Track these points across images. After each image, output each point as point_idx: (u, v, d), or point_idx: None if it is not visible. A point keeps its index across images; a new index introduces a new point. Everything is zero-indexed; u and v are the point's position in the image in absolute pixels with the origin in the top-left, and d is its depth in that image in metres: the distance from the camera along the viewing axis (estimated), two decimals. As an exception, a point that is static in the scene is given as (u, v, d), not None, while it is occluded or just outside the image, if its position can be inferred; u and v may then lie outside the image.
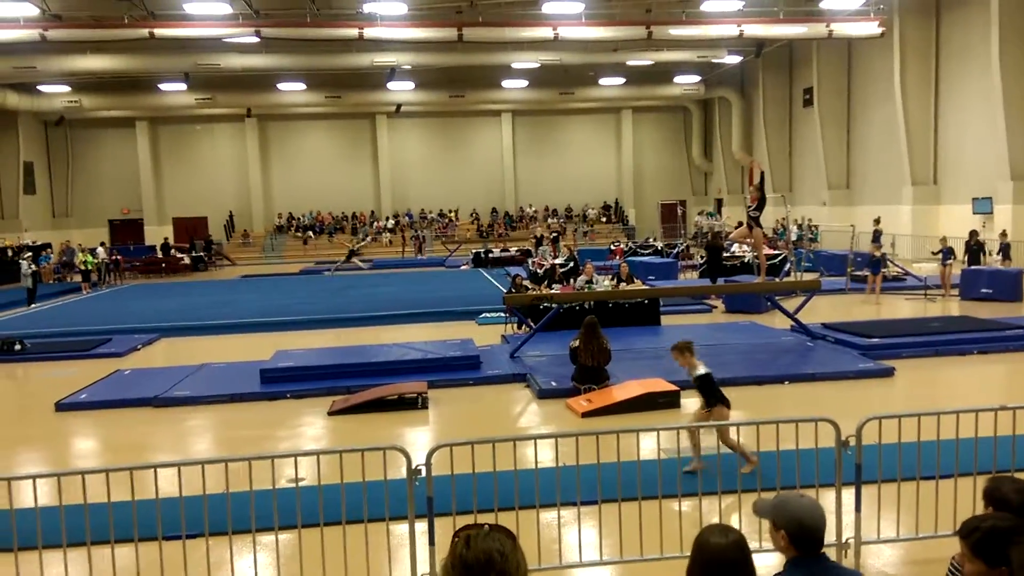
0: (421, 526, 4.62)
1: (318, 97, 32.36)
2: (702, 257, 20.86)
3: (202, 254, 31.26)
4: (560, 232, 27.50)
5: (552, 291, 13.27)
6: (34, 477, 5.08)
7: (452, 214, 37.47)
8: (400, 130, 37.17)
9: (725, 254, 19.03)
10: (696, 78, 33.48)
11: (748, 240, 12.51)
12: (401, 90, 31.92)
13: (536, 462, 6.00)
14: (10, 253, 26.41)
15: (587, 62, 28.47)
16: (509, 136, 37.87)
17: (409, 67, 27.61)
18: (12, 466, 7.35)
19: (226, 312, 16.63)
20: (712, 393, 6.32)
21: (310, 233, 35.72)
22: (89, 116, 33.50)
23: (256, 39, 22.20)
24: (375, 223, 36.45)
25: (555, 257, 19.73)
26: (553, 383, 8.94)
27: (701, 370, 6.29)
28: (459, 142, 37.94)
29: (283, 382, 9.47)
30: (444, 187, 37.56)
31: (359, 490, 5.73)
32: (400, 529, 5.21)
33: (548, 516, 5.50)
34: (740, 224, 12.78)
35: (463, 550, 1.79)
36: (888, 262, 17.67)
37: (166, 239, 33.15)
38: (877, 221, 21.00)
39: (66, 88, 29.35)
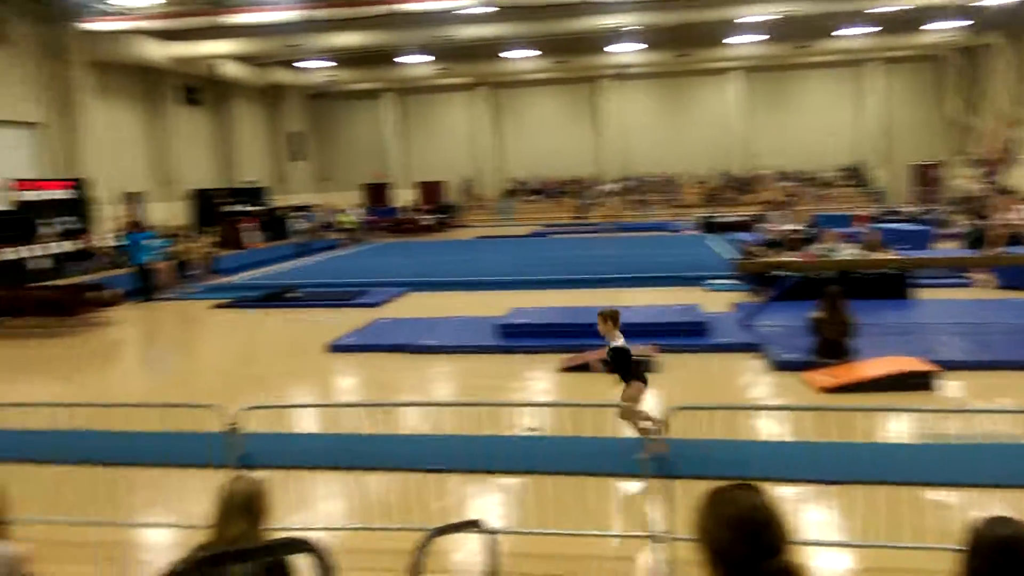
0: (637, 485, 4.72)
1: (544, 63, 33.01)
2: (970, 224, 18.61)
3: (442, 216, 33.52)
4: (794, 196, 25.87)
5: (788, 258, 12.60)
6: (315, 406, 5.86)
7: (676, 177, 36.65)
8: (623, 92, 36.90)
9: (994, 221, 16.80)
10: (956, 23, 29.42)
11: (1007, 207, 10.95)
12: (624, 52, 31.58)
13: (771, 435, 5.86)
14: (282, 213, 30.16)
15: (826, 11, 26.14)
16: (738, 94, 36.05)
17: (633, 28, 27.16)
18: (293, 396, 8.54)
19: (465, 270, 17.78)
20: (626, 369, 5.85)
21: (541, 196, 36.84)
22: (344, 89, 37.00)
23: (487, 9, 23.01)
24: (597, 187, 36.68)
25: (789, 222, 18.65)
26: (791, 355, 8.56)
27: (618, 343, 5.86)
28: (684, 103, 36.88)
29: (518, 337, 9.99)
30: (668, 149, 36.80)
31: (592, 443, 5.98)
32: (630, 486, 5.35)
33: (783, 491, 5.36)
34: (1003, 190, 11.24)
35: (736, 507, 1.76)
36: None
37: (410, 201, 36.08)
38: None
39: (326, 63, 32.53)
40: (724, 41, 30.69)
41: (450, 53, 31.34)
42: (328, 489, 5.58)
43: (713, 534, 1.78)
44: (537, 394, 8.27)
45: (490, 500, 5.41)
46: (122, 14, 22.67)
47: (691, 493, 4.43)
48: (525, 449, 6.00)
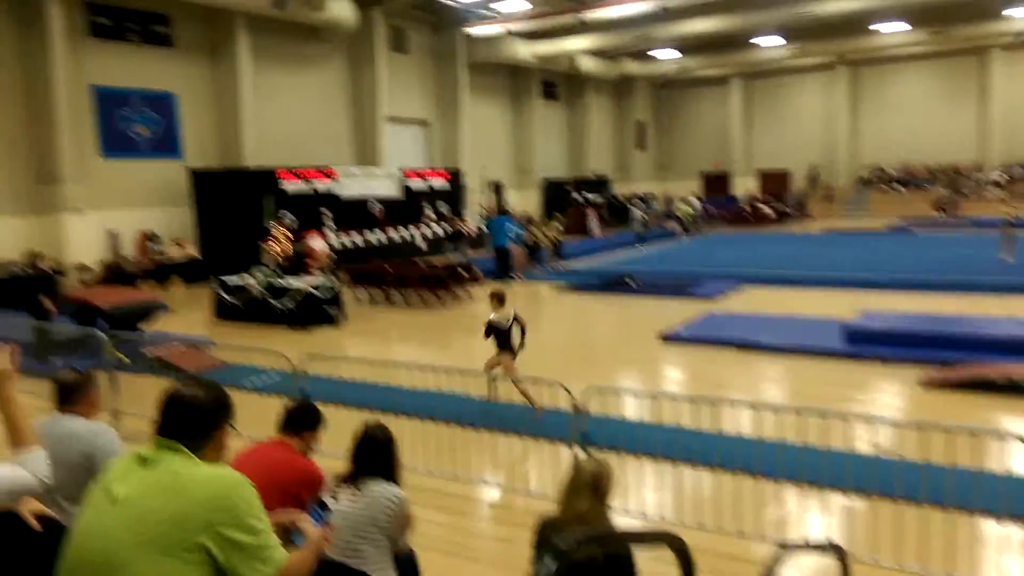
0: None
1: (917, 35, 29.14)
2: None
3: (785, 207, 31.76)
4: None
5: None
6: (654, 396, 5.93)
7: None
8: (1019, 64, 31.08)
9: None
10: None
11: None
12: (1028, 15, 26.48)
13: None
14: (623, 202, 31.12)
15: None
16: None
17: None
18: (625, 381, 8.79)
19: (808, 265, 16.68)
20: (499, 339, 7.27)
21: (903, 186, 32.90)
22: (689, 77, 36.74)
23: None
24: (978, 175, 31.56)
25: None
26: None
27: (492, 316, 7.33)
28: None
29: (870, 343, 9.09)
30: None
31: (964, 475, 5.20)
32: (1013, 530, 4.58)
33: None
34: None
35: None
36: None
37: (750, 191, 34.77)
38: None
39: (673, 53, 32.61)
40: None
41: (807, 32, 29.35)
42: (658, 479, 5.66)
43: None
44: (890, 409, 7.46)
45: (831, 519, 5.03)
46: (497, 18, 25.25)
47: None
48: (877, 470, 5.45)
